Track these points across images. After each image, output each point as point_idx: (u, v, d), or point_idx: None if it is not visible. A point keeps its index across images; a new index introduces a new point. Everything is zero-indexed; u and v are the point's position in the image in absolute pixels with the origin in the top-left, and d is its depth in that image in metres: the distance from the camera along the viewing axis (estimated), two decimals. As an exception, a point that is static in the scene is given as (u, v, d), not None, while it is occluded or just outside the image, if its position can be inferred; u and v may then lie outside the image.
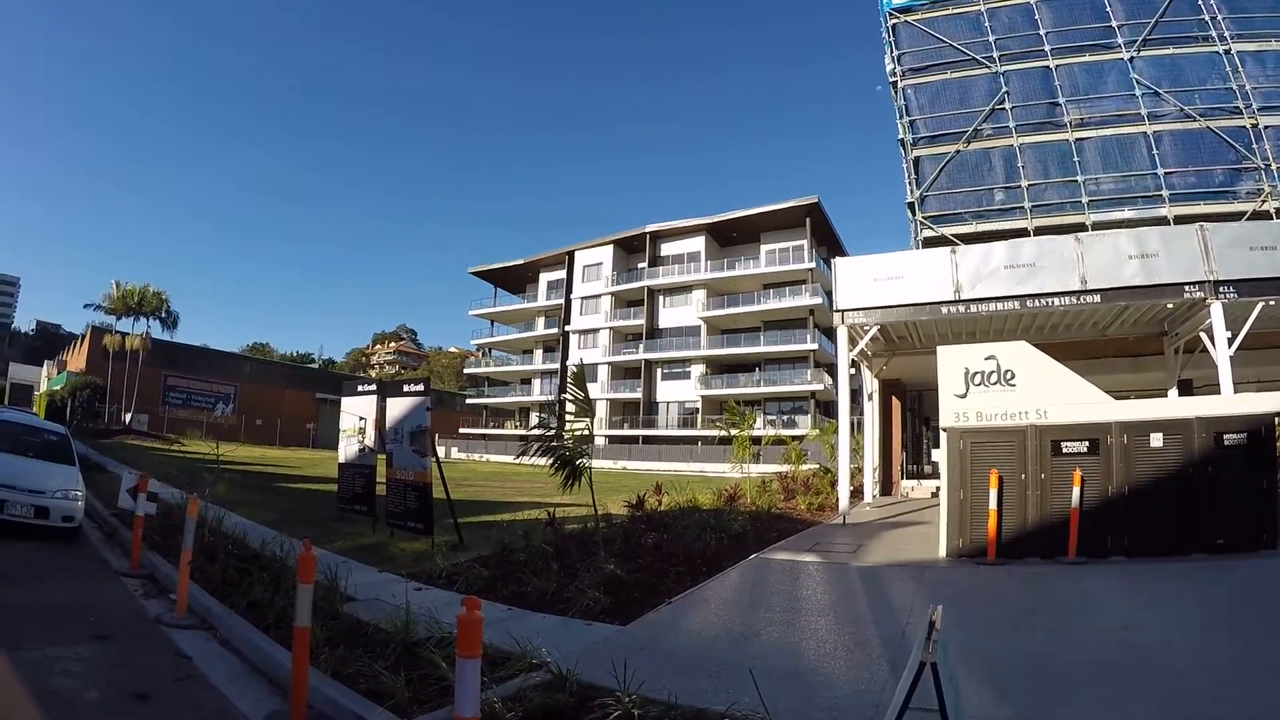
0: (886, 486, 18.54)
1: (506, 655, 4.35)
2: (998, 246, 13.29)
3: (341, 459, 11.58)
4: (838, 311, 13.28)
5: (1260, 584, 6.83)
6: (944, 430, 8.91)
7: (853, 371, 14.54)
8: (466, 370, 73.73)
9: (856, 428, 18.92)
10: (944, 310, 12.84)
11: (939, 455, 9.43)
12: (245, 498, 13.00)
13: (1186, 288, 11.96)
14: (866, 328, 13.42)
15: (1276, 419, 7.97)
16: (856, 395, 16.01)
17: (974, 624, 5.52)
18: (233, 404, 53.08)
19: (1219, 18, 19.03)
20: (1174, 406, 8.52)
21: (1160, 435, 8.16)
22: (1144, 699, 3.95)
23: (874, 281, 13.11)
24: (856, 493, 16.60)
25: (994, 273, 12.71)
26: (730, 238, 53.25)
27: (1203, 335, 12.20)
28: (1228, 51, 18.76)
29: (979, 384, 8.86)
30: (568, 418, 8.86)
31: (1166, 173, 18.32)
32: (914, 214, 19.96)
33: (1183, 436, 8.09)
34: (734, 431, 16.30)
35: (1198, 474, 7.91)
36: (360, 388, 11.76)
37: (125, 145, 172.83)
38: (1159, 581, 7.12)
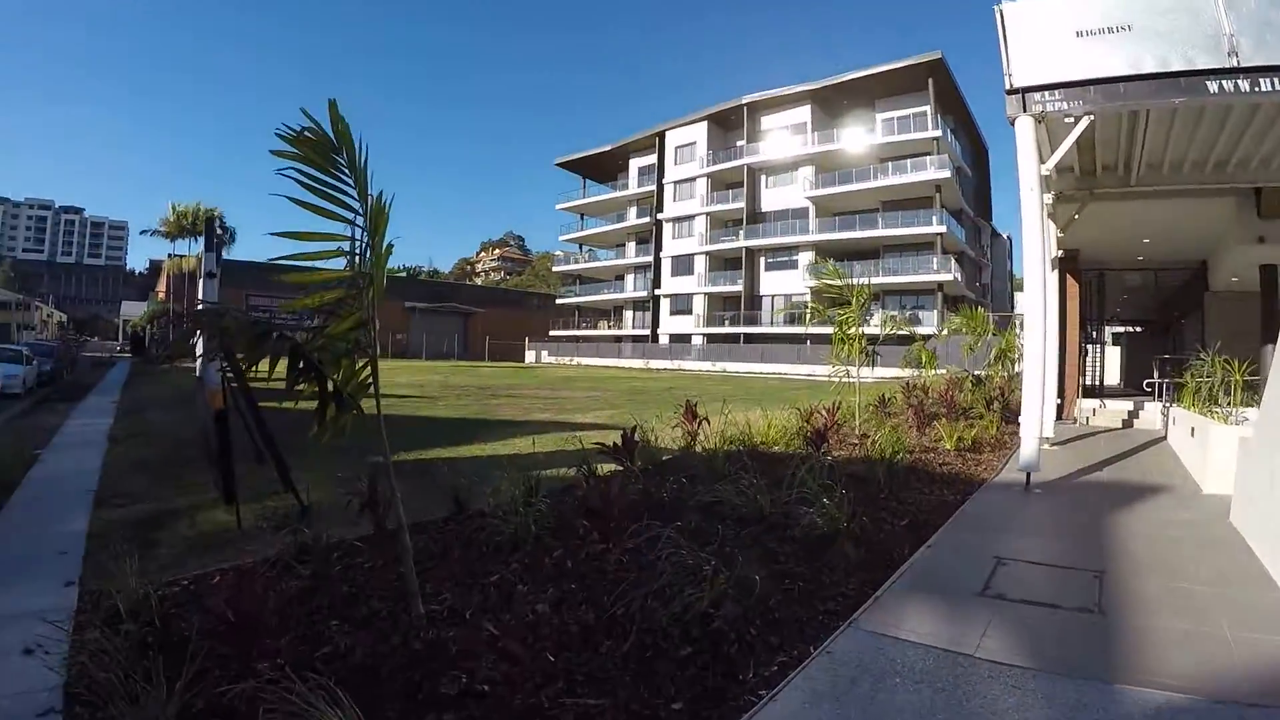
0: (1059, 409, 12.77)
1: None
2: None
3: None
4: (1014, 93, 7.18)
5: None
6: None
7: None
8: (555, 269, 70.28)
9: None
10: (1211, 86, 6.76)
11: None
12: (184, 430, 9.88)
13: None
14: (1069, 119, 7.40)
15: None
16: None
17: None
18: (317, 320, 53.04)
19: None
20: None
21: None
22: None
23: (1079, 37, 6.99)
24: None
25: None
26: (839, 106, 44.52)
27: None
28: None
29: None
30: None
31: None
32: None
33: None
34: (837, 319, 10.61)
35: None
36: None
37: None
38: None
